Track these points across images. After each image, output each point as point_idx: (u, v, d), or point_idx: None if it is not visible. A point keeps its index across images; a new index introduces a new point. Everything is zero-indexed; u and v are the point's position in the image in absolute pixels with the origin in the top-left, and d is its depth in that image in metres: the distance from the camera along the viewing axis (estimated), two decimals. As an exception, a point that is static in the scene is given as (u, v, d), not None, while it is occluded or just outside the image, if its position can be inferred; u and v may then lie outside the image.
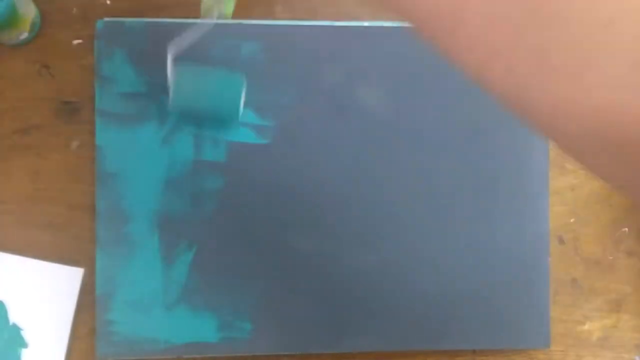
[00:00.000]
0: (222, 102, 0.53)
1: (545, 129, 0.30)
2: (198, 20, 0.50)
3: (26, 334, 0.54)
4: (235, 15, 0.57)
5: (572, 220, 0.59)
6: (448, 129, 0.57)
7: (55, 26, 0.56)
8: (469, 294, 0.56)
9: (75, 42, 0.56)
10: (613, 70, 0.25)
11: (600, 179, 0.32)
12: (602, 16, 0.25)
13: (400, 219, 0.56)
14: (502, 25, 0.28)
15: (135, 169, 0.54)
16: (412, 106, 0.56)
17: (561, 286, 0.59)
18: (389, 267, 0.56)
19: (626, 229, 0.60)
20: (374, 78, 0.56)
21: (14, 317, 0.54)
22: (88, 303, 0.55)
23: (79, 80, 0.56)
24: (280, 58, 0.55)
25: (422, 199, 0.56)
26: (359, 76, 0.56)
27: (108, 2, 0.57)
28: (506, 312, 0.56)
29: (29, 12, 0.54)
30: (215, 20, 0.49)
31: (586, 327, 0.59)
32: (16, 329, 0.54)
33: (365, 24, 0.57)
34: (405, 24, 0.33)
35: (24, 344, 0.54)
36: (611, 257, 0.60)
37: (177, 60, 0.51)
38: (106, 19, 0.55)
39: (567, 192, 0.59)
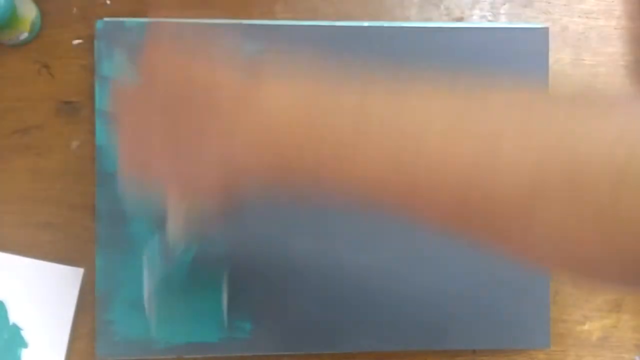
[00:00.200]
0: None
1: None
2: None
3: (26, 334, 0.54)
4: (235, 15, 0.57)
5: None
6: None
7: (55, 26, 0.56)
8: (469, 294, 0.56)
9: (75, 42, 0.56)
10: None
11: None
12: None
13: (401, 219, 0.56)
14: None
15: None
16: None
17: (561, 286, 0.59)
18: (389, 267, 0.56)
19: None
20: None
21: (14, 317, 0.54)
22: (88, 303, 0.55)
23: (79, 80, 0.56)
24: (280, 58, 0.55)
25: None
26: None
27: (108, 2, 0.57)
28: (506, 312, 0.56)
29: (29, 12, 0.54)
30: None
31: (586, 327, 0.59)
32: (16, 329, 0.54)
33: (365, 24, 0.57)
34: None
35: (24, 344, 0.54)
36: (611, 257, 0.59)
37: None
38: (106, 19, 0.55)
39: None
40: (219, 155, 0.36)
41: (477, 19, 0.59)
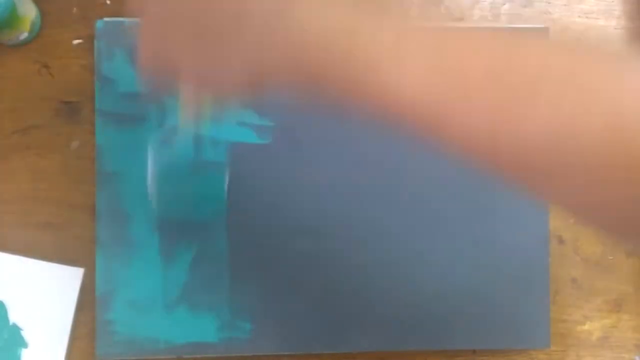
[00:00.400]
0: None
1: (536, 185, 0.34)
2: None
3: (26, 334, 0.54)
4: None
5: (572, 220, 0.59)
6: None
7: (55, 26, 0.56)
8: (469, 294, 0.56)
9: (75, 42, 0.56)
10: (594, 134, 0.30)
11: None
12: None
13: (401, 219, 0.56)
14: None
15: (135, 169, 0.54)
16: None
17: (561, 286, 0.59)
18: (389, 267, 0.56)
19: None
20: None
21: (14, 317, 0.54)
22: (88, 303, 0.55)
23: (79, 80, 0.56)
24: None
25: (422, 198, 0.56)
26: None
27: (108, 2, 0.57)
28: (506, 312, 0.56)
29: (29, 12, 0.54)
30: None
31: (586, 327, 0.59)
32: (16, 329, 0.54)
33: (365, 24, 0.57)
34: None
35: (24, 344, 0.54)
36: (611, 257, 0.59)
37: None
38: (106, 19, 0.55)
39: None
40: (245, 60, 0.35)
41: (477, 19, 0.59)
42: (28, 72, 0.56)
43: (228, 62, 0.36)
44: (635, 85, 0.29)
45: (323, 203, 0.55)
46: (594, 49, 0.33)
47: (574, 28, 0.60)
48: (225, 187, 0.55)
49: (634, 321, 0.59)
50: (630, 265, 0.60)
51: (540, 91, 0.30)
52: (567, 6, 0.60)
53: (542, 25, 0.58)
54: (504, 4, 0.60)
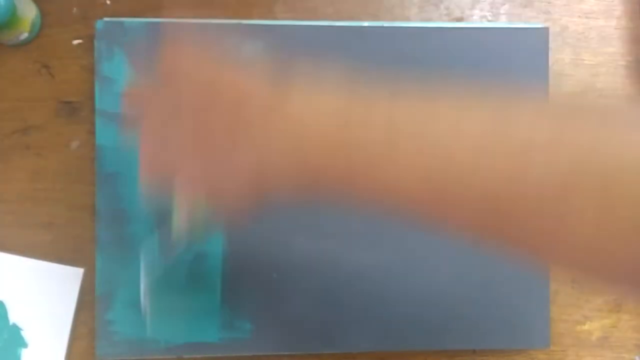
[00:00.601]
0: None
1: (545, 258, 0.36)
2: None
3: (26, 334, 0.54)
4: (235, 15, 0.57)
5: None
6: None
7: (55, 26, 0.56)
8: (469, 294, 0.56)
9: (75, 42, 0.56)
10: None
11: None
12: None
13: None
14: None
15: (135, 169, 0.54)
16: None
17: (561, 286, 0.59)
18: (389, 267, 0.56)
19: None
20: (374, 78, 0.56)
21: (14, 317, 0.54)
22: (88, 303, 0.55)
23: (79, 80, 0.56)
24: (280, 58, 0.55)
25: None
26: (359, 76, 0.56)
27: (108, 2, 0.57)
28: (506, 312, 0.56)
29: (29, 12, 0.54)
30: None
31: (586, 327, 0.59)
32: (16, 329, 0.54)
33: (365, 24, 0.57)
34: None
35: (24, 344, 0.54)
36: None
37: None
38: (106, 19, 0.55)
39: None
40: (247, 161, 0.36)
41: (477, 19, 0.59)
42: (28, 72, 0.56)
43: (230, 165, 0.36)
44: (632, 140, 0.29)
45: (323, 202, 0.55)
46: (588, 107, 0.33)
47: (573, 28, 0.60)
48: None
49: (634, 321, 0.59)
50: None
51: (534, 155, 0.30)
52: (567, 6, 0.60)
53: (542, 25, 0.58)
54: (504, 4, 0.60)
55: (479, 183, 0.31)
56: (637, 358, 0.59)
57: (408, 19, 0.59)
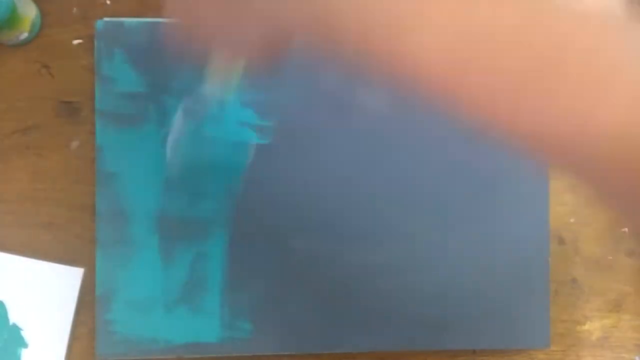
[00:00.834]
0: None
1: (552, 157, 0.33)
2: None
3: (26, 334, 0.54)
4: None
5: (572, 220, 0.59)
6: (449, 128, 0.57)
7: (55, 26, 0.56)
8: (469, 293, 0.56)
9: (75, 42, 0.56)
10: (619, 108, 0.28)
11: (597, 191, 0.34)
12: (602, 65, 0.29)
13: (401, 219, 0.56)
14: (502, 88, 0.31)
15: (135, 169, 0.54)
16: (414, 105, 0.56)
17: (561, 286, 0.59)
18: (389, 267, 0.56)
19: (626, 229, 0.60)
20: (375, 77, 0.56)
21: (14, 317, 0.54)
22: (88, 303, 0.55)
23: (79, 80, 0.56)
24: None
25: (422, 199, 0.56)
26: (360, 75, 0.56)
27: (108, 2, 0.57)
28: (506, 312, 0.56)
29: (29, 12, 0.54)
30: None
31: (586, 327, 0.59)
32: (16, 329, 0.54)
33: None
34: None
35: (24, 344, 0.54)
36: (611, 257, 0.60)
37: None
38: (106, 19, 0.55)
39: (567, 192, 0.59)
40: (264, 17, 0.36)
41: (477, 19, 0.59)
42: (28, 72, 0.56)
43: (247, 21, 0.37)
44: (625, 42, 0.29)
45: (323, 203, 0.55)
46: (621, 19, 0.32)
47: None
48: (225, 187, 0.55)
49: (634, 321, 0.59)
50: (630, 265, 0.60)
51: (566, 61, 0.29)
52: (567, 6, 0.60)
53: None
54: (504, 4, 0.60)
55: (508, 75, 0.30)
56: (637, 358, 0.59)
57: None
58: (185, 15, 0.40)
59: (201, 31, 0.39)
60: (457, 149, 0.57)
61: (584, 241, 0.59)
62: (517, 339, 0.57)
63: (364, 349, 0.56)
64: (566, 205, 0.59)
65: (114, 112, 0.54)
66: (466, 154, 0.57)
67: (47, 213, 0.55)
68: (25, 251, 0.54)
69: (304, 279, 0.55)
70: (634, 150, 0.28)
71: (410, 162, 0.56)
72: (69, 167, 0.56)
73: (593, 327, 0.59)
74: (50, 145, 0.56)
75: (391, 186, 0.56)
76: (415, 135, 0.56)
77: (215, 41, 0.40)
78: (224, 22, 0.38)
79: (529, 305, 0.57)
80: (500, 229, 0.56)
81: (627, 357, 0.59)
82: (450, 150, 0.57)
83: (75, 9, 0.57)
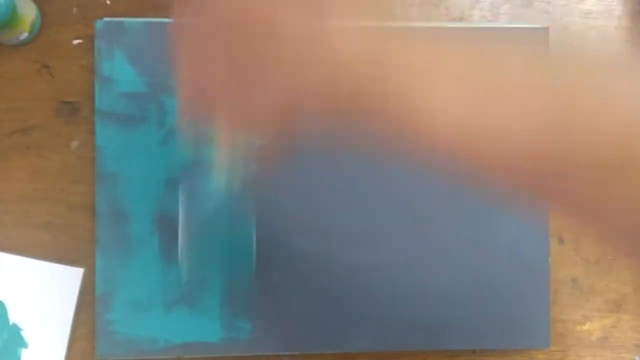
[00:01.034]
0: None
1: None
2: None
3: (26, 334, 0.54)
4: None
5: (572, 221, 0.59)
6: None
7: (55, 26, 0.56)
8: (469, 294, 0.56)
9: (75, 42, 0.56)
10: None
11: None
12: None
13: (401, 219, 0.56)
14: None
15: (135, 169, 0.54)
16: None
17: (561, 286, 0.59)
18: (389, 267, 0.56)
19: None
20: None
21: (14, 317, 0.54)
22: (88, 303, 0.55)
23: (79, 80, 0.56)
24: None
25: (422, 199, 0.56)
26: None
27: (108, 2, 0.57)
28: (506, 312, 0.56)
29: (29, 12, 0.54)
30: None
31: (586, 327, 0.59)
32: (16, 329, 0.54)
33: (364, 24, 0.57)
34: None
35: (24, 344, 0.54)
36: (611, 257, 0.60)
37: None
38: (106, 19, 0.55)
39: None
40: (280, 88, 0.35)
41: (477, 19, 0.59)
42: (28, 72, 0.56)
43: (263, 92, 0.36)
44: (633, 88, 0.29)
45: (323, 203, 0.55)
46: (594, 53, 0.32)
47: (573, 28, 0.60)
48: (225, 187, 0.55)
49: (634, 321, 0.59)
50: (630, 265, 0.60)
51: (579, 107, 0.29)
52: (567, 6, 0.60)
53: (542, 25, 0.58)
54: (504, 4, 0.60)
55: (521, 130, 0.30)
56: (637, 358, 0.59)
57: (408, 19, 0.59)
58: (197, 90, 0.39)
59: (211, 106, 0.38)
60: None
61: (584, 241, 0.59)
62: (517, 339, 0.57)
63: (364, 349, 0.56)
64: (566, 205, 0.59)
65: (113, 112, 0.54)
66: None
67: (47, 213, 0.55)
68: (25, 251, 0.54)
69: (303, 279, 0.55)
70: None
71: (412, 162, 0.56)
72: (69, 167, 0.56)
73: (593, 327, 0.59)
74: (50, 145, 0.56)
75: (392, 186, 0.56)
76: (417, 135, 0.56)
77: (226, 115, 0.38)
78: (235, 91, 0.37)
79: (529, 305, 0.57)
80: (500, 229, 0.56)
81: (627, 357, 0.59)
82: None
83: (75, 9, 0.57)
